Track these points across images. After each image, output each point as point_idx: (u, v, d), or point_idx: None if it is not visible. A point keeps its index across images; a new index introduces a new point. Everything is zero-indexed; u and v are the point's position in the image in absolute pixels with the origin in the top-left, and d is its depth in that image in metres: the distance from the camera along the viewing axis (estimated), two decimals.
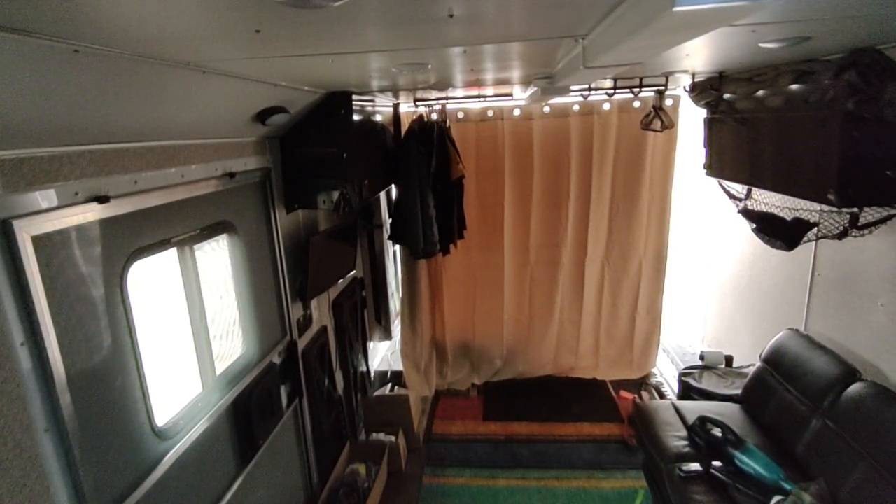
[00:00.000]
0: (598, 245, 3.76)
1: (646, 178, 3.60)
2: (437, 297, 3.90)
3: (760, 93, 2.22)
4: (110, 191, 1.32)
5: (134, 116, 1.34)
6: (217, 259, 1.98)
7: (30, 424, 1.11)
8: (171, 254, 1.69)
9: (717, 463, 2.27)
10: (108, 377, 1.35)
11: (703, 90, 2.69)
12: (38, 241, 1.13)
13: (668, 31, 0.86)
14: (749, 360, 3.01)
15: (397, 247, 3.84)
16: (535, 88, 2.13)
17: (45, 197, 1.15)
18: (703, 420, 2.49)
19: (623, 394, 3.68)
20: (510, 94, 3.26)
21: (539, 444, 3.31)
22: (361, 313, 3.50)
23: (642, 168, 3.58)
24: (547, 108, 3.52)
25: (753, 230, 2.60)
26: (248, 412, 1.96)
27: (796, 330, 2.63)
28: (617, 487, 2.94)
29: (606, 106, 3.47)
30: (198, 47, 1.11)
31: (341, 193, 2.30)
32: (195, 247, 1.78)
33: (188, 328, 1.78)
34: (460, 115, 3.58)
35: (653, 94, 2.98)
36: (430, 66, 1.69)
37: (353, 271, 3.18)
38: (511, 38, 1.31)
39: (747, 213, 2.67)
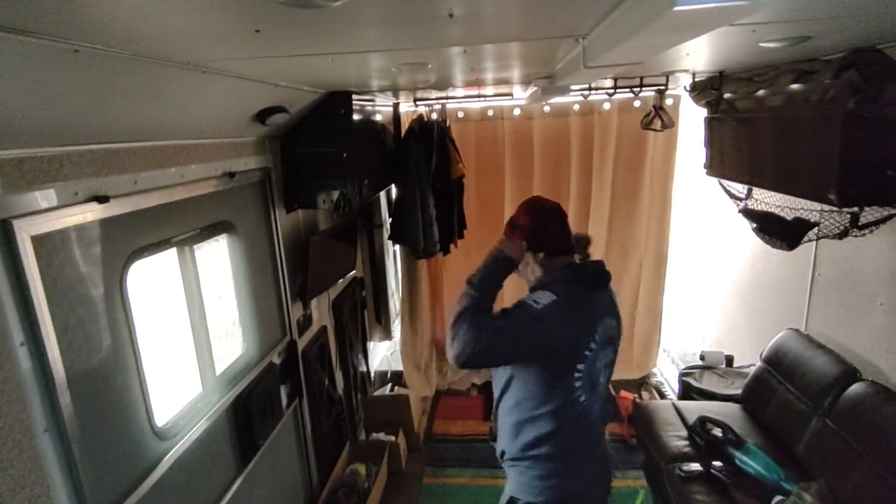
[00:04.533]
0: (598, 244, 3.76)
1: (646, 178, 3.60)
2: (437, 296, 3.90)
3: (761, 92, 2.22)
4: (110, 191, 1.32)
5: (134, 116, 1.34)
6: (217, 259, 1.98)
7: (29, 424, 1.11)
8: (171, 254, 1.69)
9: (717, 463, 2.26)
10: (108, 377, 1.35)
11: (704, 89, 2.69)
12: (37, 240, 1.13)
13: (668, 30, 0.85)
14: (749, 359, 3.01)
15: (397, 247, 3.84)
16: (536, 88, 2.13)
17: (44, 197, 1.15)
18: (704, 420, 2.48)
19: (623, 393, 3.67)
20: (510, 94, 3.26)
21: None
22: (361, 313, 3.50)
23: (643, 167, 3.58)
24: (547, 108, 3.52)
25: (754, 230, 2.60)
26: (247, 412, 1.96)
27: (797, 330, 2.63)
28: (617, 487, 2.93)
29: (607, 105, 3.47)
30: (198, 47, 1.11)
31: (341, 193, 2.30)
32: (195, 247, 1.78)
33: (188, 328, 1.78)
34: (460, 114, 3.58)
35: (653, 93, 2.98)
36: (430, 66, 1.69)
37: (353, 271, 3.18)
38: (511, 38, 1.31)
39: (748, 213, 2.67)
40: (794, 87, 1.97)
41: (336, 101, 2.21)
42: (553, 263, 1.49)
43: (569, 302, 1.40)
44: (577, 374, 1.42)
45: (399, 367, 3.93)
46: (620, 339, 1.57)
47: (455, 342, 1.38)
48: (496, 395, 1.57)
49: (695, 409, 2.69)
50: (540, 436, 1.45)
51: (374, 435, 3.18)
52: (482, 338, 1.35)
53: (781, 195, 2.35)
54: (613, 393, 3.77)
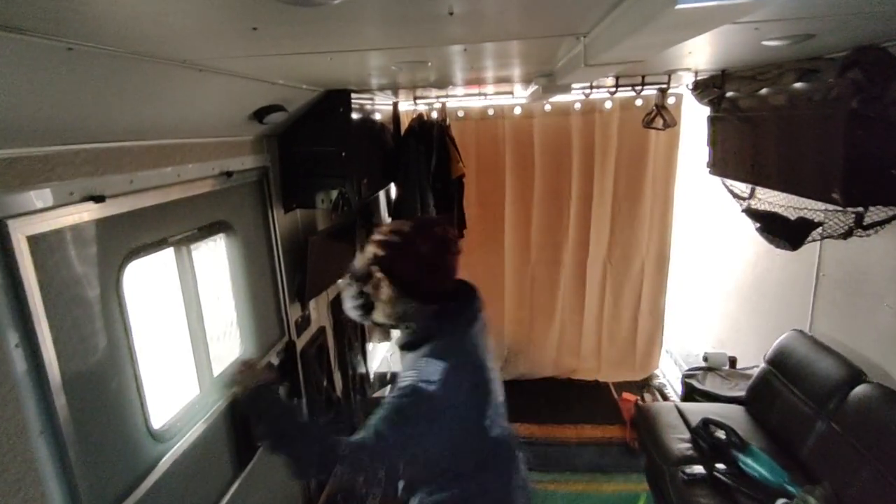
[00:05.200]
0: (599, 245, 3.75)
1: (648, 177, 3.58)
2: None
3: (764, 91, 2.20)
4: (106, 190, 1.30)
5: (129, 115, 1.33)
6: (214, 259, 1.96)
7: (24, 427, 1.10)
8: (168, 254, 1.68)
9: (720, 466, 2.24)
10: (104, 379, 1.34)
11: (706, 88, 2.68)
12: (33, 241, 1.12)
13: (669, 28, 0.84)
14: (753, 361, 2.98)
15: None
16: (536, 86, 2.12)
17: (39, 196, 1.14)
18: (707, 422, 2.46)
19: (625, 395, 3.65)
20: (511, 93, 3.25)
21: (539, 447, 3.28)
22: None
23: (644, 167, 3.56)
24: (548, 107, 3.50)
25: (757, 230, 2.58)
26: (245, 414, 1.95)
27: (801, 331, 2.61)
28: (619, 490, 2.92)
29: (608, 104, 3.45)
30: (194, 45, 1.10)
31: (340, 193, 2.29)
32: (192, 247, 1.77)
33: (185, 329, 1.77)
34: (460, 113, 3.57)
35: (655, 92, 2.96)
36: (430, 65, 1.68)
37: None
38: (512, 36, 1.29)
39: (751, 213, 2.65)
40: (798, 85, 1.96)
41: (335, 100, 2.20)
42: (428, 309, 1.24)
43: (461, 358, 1.20)
44: (487, 420, 1.25)
45: (399, 368, 3.91)
46: None
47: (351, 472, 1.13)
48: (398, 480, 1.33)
49: (698, 411, 2.67)
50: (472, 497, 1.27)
51: None
52: (377, 458, 1.12)
53: (785, 195, 2.33)
54: (616, 395, 3.76)
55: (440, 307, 1.25)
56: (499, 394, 1.32)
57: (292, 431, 1.12)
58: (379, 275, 1.24)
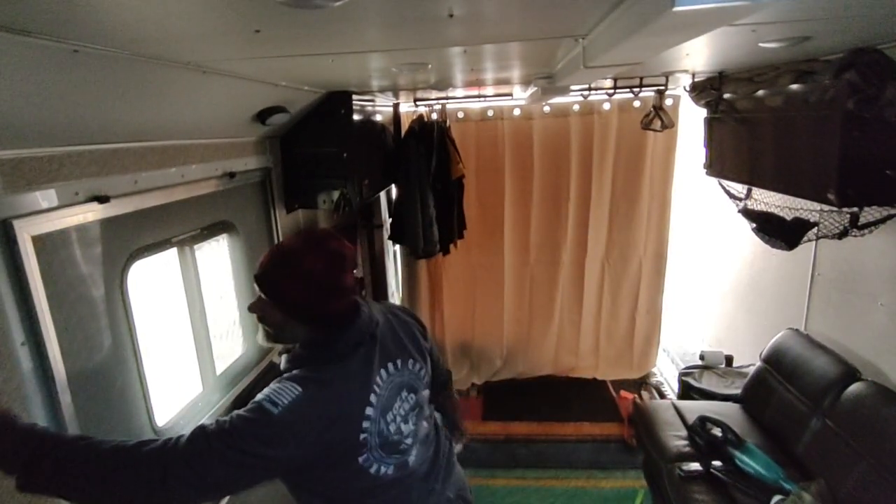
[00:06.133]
0: (598, 245, 3.76)
1: (646, 178, 3.60)
2: (437, 296, 3.90)
3: (760, 92, 2.22)
4: (110, 191, 1.32)
5: (134, 116, 1.34)
6: (217, 259, 1.98)
7: None
8: (172, 254, 1.69)
9: (717, 462, 2.26)
10: (109, 377, 1.35)
11: (704, 90, 2.69)
12: (38, 240, 1.13)
13: (667, 30, 0.86)
14: (749, 359, 3.01)
15: (397, 247, 3.84)
16: (536, 88, 2.13)
17: (45, 197, 1.15)
18: (703, 420, 2.49)
19: (623, 393, 3.68)
20: (510, 94, 3.26)
21: (538, 444, 3.31)
22: None
23: (642, 168, 3.58)
24: (547, 108, 3.52)
25: (753, 230, 2.60)
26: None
27: (796, 329, 2.63)
28: (616, 487, 2.95)
29: (606, 106, 3.47)
30: (197, 47, 1.11)
31: (341, 193, 2.30)
32: (195, 247, 1.79)
33: (188, 328, 1.79)
34: (460, 114, 3.58)
35: (653, 93, 2.98)
36: (430, 66, 1.69)
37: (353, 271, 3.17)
38: (511, 38, 1.31)
39: (747, 213, 2.67)
40: (794, 87, 1.97)
41: (336, 102, 2.21)
42: (314, 334, 1.12)
43: (326, 391, 1.05)
44: (362, 461, 1.07)
45: None
46: (425, 356, 1.27)
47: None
48: None
49: (694, 408, 2.69)
50: None
51: None
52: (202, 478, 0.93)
53: (781, 195, 2.35)
54: (614, 393, 3.78)
55: (325, 333, 1.11)
56: (400, 436, 1.14)
57: (87, 464, 0.86)
58: (263, 297, 1.11)
